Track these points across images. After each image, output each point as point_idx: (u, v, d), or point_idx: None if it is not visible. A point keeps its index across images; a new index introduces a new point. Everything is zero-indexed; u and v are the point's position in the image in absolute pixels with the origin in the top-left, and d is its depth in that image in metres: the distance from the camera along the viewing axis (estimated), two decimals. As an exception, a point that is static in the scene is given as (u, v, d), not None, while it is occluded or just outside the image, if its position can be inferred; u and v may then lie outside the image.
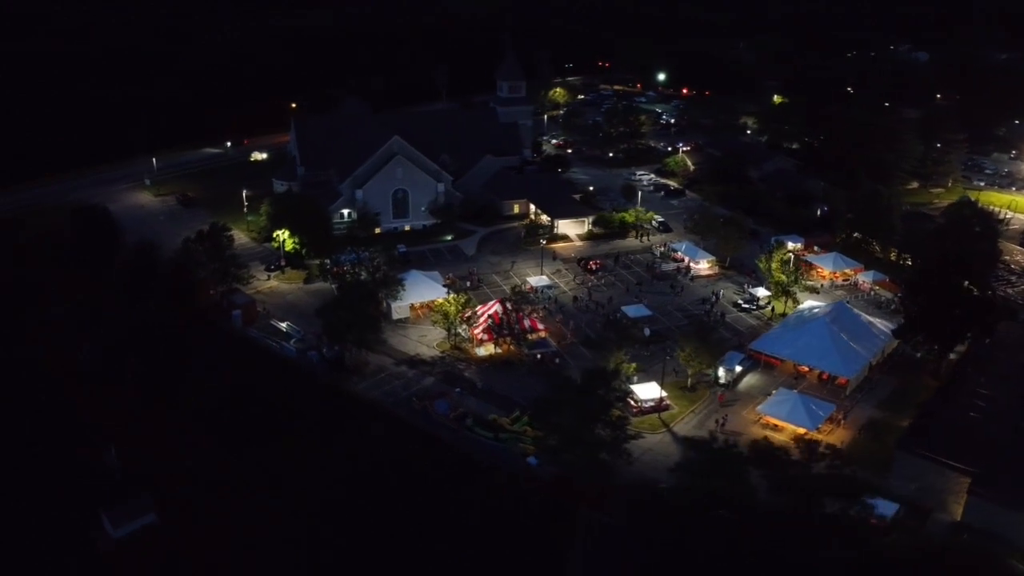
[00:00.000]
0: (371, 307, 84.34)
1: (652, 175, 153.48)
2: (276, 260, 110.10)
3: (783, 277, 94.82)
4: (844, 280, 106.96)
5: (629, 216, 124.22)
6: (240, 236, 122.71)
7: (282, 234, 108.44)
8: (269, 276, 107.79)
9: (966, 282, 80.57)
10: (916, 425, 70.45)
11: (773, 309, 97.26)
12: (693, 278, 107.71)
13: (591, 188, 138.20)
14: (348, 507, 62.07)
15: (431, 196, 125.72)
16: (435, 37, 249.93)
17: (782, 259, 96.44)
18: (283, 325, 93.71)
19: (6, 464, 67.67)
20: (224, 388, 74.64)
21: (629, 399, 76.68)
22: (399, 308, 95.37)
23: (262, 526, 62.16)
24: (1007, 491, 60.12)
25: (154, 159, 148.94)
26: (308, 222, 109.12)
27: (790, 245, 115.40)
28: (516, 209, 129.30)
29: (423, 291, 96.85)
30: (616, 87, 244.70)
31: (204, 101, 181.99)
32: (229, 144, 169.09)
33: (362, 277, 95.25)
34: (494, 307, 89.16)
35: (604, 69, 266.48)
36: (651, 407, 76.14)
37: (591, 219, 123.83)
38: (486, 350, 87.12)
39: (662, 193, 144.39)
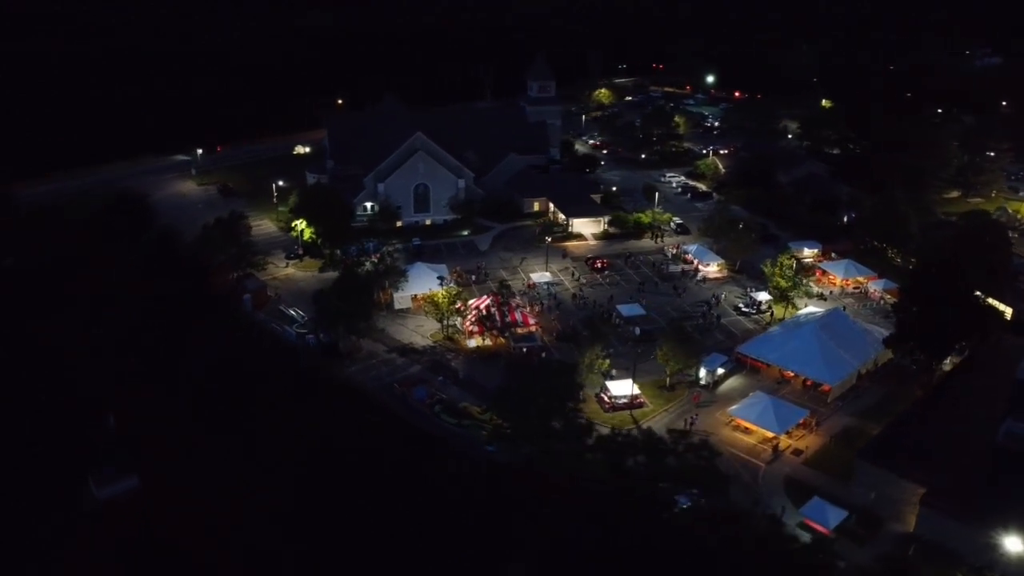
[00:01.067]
0: (365, 296, 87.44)
1: (682, 177, 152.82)
2: (295, 248, 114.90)
3: (782, 282, 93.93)
4: (855, 288, 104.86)
5: (645, 217, 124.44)
6: (270, 225, 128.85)
7: (300, 224, 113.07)
8: (287, 263, 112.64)
9: (959, 290, 78.27)
10: (881, 435, 69.27)
11: (772, 314, 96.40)
12: (705, 280, 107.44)
13: (614, 188, 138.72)
14: (310, 477, 65.34)
15: (452, 192, 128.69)
16: (484, 36, 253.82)
17: (785, 264, 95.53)
18: (291, 311, 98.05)
19: (13, 428, 73.27)
20: (213, 363, 79.35)
21: (602, 394, 77.89)
22: (400, 298, 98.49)
23: (236, 493, 65.98)
24: (959, 505, 58.89)
25: (199, 150, 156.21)
26: (326, 213, 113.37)
27: (806, 251, 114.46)
28: (536, 207, 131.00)
29: (426, 283, 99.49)
30: (667, 89, 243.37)
31: (255, 97, 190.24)
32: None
33: (367, 267, 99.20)
34: (485, 301, 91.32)
35: (658, 71, 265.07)
36: (623, 403, 76.96)
37: (606, 219, 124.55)
38: (476, 342, 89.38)
39: (688, 195, 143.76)
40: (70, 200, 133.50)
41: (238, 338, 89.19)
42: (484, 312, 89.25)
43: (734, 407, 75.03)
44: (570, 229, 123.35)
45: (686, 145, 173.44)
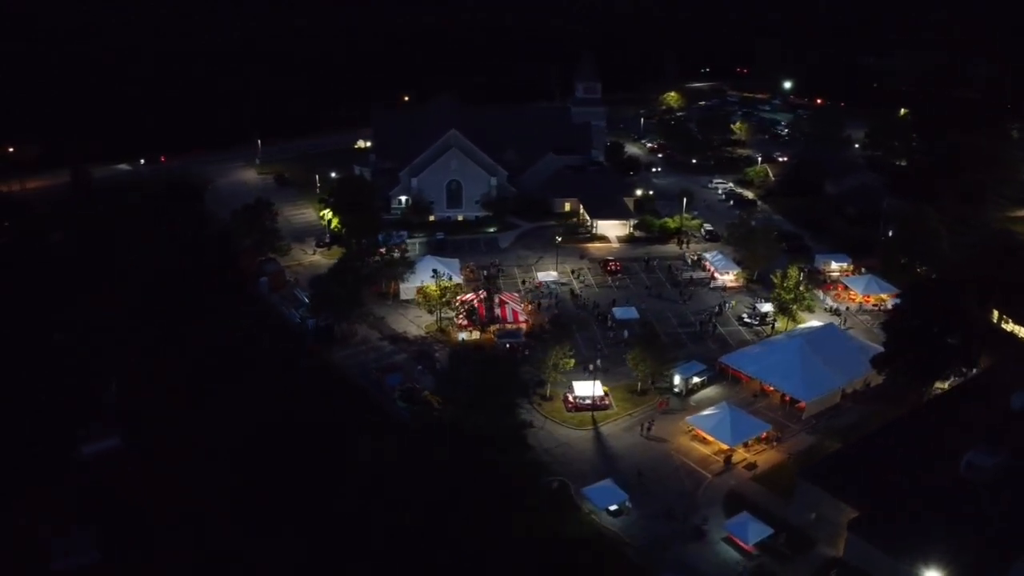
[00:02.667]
0: (358, 283, 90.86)
1: (730, 184, 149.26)
2: (323, 237, 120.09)
3: (784, 294, 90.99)
4: (874, 305, 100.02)
5: (672, 222, 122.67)
6: (312, 214, 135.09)
7: (327, 213, 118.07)
8: (314, 251, 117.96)
9: (954, 311, 73.77)
10: (832, 455, 66.49)
11: (773, 326, 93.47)
12: (725, 288, 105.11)
13: (650, 192, 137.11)
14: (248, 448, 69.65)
15: (484, 189, 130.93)
16: (559, 35, 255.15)
17: (791, 275, 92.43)
18: (305, 295, 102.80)
19: (24, 389, 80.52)
20: (211, 336, 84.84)
21: (567, 393, 78.19)
22: (407, 290, 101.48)
23: (194, 457, 70.88)
24: (887, 534, 56.10)
25: (259, 141, 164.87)
26: (353, 204, 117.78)
27: (833, 264, 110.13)
28: (567, 207, 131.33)
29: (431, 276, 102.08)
30: (746, 94, 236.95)
31: (323, 92, 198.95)
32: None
33: (376, 258, 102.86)
34: (477, 296, 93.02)
35: (742, 75, 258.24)
36: (586, 404, 76.94)
37: (633, 222, 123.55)
38: (466, 335, 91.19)
39: (731, 203, 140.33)
40: (141, 182, 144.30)
41: (244, 316, 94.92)
42: (475, 306, 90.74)
43: (693, 416, 73.72)
44: (594, 231, 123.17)
45: (743, 151, 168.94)
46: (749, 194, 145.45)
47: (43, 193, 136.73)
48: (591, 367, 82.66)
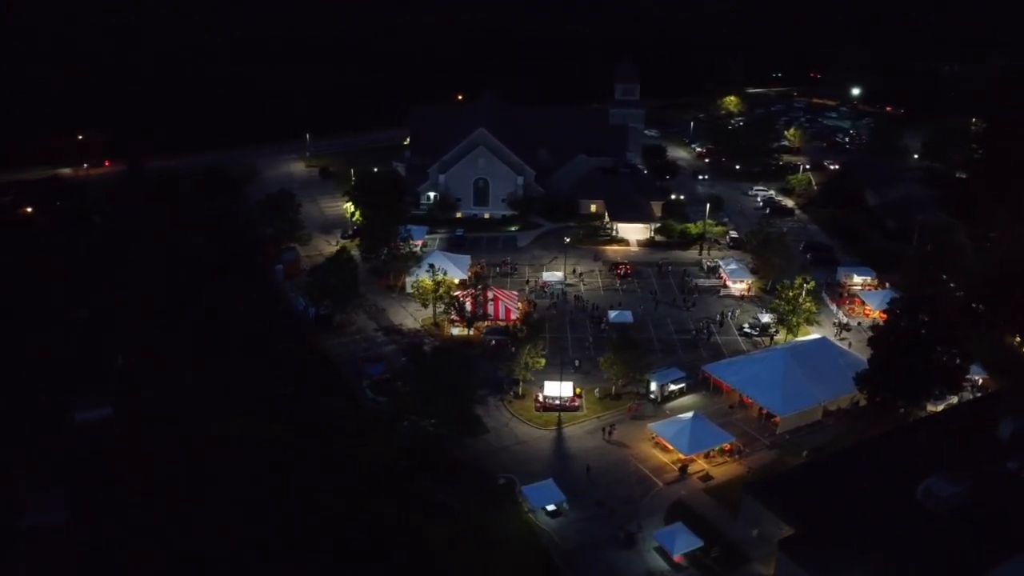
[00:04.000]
0: (352, 274, 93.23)
1: (771, 192, 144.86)
2: (347, 229, 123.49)
3: (783, 305, 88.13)
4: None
5: (694, 227, 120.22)
6: (350, 207, 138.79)
7: (349, 206, 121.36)
8: (337, 242, 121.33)
9: (941, 330, 69.85)
10: (784, 472, 64.05)
11: (772, 338, 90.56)
12: (742, 296, 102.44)
13: (681, 197, 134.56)
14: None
15: (511, 188, 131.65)
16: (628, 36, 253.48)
17: (798, 286, 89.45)
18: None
19: (36, 359, 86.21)
20: (215, 316, 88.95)
21: (538, 392, 78.15)
22: (411, 283, 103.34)
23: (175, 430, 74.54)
24: (818, 555, 53.80)
25: (307, 135, 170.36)
26: (375, 198, 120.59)
27: (856, 278, 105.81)
28: (593, 209, 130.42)
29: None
30: (815, 100, 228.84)
31: (385, 89, 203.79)
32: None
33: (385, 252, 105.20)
34: (471, 292, 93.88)
35: (815, 81, 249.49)
36: (556, 405, 76.70)
37: (654, 226, 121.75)
38: (459, 330, 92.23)
39: (767, 211, 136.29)
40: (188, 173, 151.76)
41: (251, 299, 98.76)
42: (460, 301, 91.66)
43: (656, 423, 72.46)
44: (614, 233, 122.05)
45: (793, 159, 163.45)
46: (789, 203, 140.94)
47: (103, 179, 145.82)
48: (575, 365, 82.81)
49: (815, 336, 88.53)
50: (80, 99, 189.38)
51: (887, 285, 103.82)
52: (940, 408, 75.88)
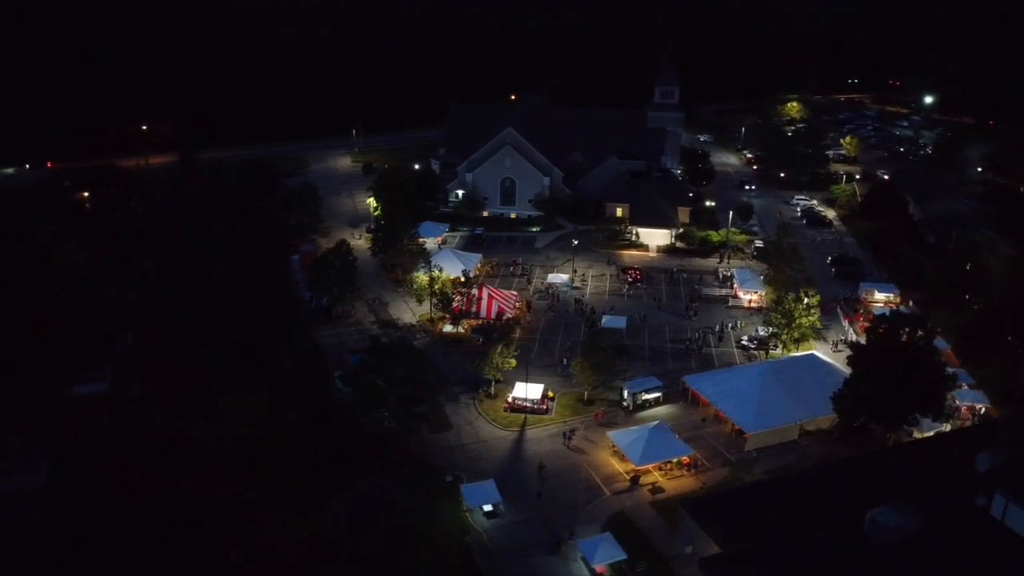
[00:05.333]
0: (350, 267, 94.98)
1: (814, 202, 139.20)
2: (371, 224, 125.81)
3: (778, 319, 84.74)
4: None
5: (715, 235, 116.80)
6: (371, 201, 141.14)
7: (372, 201, 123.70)
8: (360, 236, 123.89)
9: (920, 352, 65.62)
10: (726, 490, 61.46)
11: (767, 352, 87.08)
12: (753, 308, 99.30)
13: (711, 203, 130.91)
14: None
15: (537, 188, 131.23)
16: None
17: (803, 299, 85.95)
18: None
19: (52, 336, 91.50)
20: (220, 299, 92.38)
21: (510, 394, 77.80)
22: (408, 279, 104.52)
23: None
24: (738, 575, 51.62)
25: (354, 131, 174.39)
26: (395, 194, 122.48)
27: (877, 294, 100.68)
28: (619, 213, 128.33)
29: (447, 268, 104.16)
30: (889, 108, 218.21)
31: (443, 87, 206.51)
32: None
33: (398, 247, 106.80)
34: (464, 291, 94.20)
35: (893, 88, 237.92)
36: (523, 406, 76.13)
37: (675, 232, 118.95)
38: (451, 327, 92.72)
39: (804, 221, 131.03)
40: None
41: (259, 287, 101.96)
42: (448, 298, 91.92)
43: (616, 431, 70.91)
44: (633, 238, 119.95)
45: (845, 168, 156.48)
46: (831, 213, 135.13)
47: (160, 168, 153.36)
48: (563, 363, 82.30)
49: (813, 353, 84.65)
50: (151, 93, 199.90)
51: (910, 303, 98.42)
52: (928, 435, 71.43)
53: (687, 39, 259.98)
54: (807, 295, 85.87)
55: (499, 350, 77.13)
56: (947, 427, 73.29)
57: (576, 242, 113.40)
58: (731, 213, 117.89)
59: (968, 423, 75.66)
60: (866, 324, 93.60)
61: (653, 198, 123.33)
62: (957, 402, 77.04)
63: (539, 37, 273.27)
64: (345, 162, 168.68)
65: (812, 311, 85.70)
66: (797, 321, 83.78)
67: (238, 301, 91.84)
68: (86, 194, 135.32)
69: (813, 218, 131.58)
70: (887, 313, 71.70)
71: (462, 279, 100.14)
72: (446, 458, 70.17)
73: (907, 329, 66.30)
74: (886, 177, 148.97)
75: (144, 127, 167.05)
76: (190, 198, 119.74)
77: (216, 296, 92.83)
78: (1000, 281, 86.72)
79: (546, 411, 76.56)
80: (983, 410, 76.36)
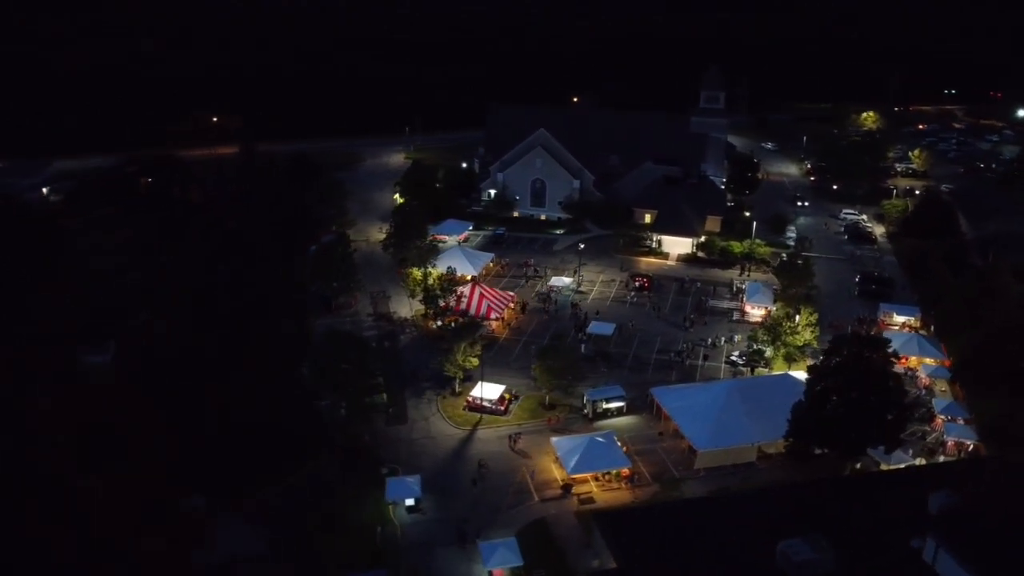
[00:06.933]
0: (347, 260, 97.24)
1: (861, 216, 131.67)
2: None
3: (764, 337, 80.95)
4: (905, 368, 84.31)
5: (737, 246, 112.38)
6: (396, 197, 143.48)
7: (397, 198, 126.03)
8: (384, 230, 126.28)
9: (874, 375, 61.10)
10: (643, 507, 59.13)
11: (753, 370, 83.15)
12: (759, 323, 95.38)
13: (747, 213, 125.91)
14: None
15: (567, 191, 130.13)
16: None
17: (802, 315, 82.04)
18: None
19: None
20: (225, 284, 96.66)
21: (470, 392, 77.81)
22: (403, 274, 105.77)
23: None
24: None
25: (407, 128, 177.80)
26: (422, 191, 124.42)
27: (896, 316, 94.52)
28: (647, 219, 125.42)
29: (453, 266, 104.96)
30: (984, 121, 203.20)
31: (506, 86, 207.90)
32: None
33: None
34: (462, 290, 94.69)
35: (994, 99, 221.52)
36: (480, 405, 75.91)
37: (697, 241, 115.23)
38: (439, 323, 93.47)
39: (846, 236, 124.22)
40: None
41: (265, 276, 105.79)
42: (434, 294, 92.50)
43: (560, 437, 69.61)
44: (654, 245, 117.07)
45: (906, 182, 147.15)
46: (880, 229, 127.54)
47: (225, 159, 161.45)
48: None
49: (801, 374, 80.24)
50: (227, 88, 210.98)
51: (931, 327, 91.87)
52: (898, 467, 66.55)
53: (763, 44, 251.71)
54: (799, 313, 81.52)
55: (462, 348, 77.20)
56: (920, 461, 68.11)
57: (583, 246, 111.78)
58: (755, 224, 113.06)
59: (953, 459, 69.99)
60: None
61: (680, 205, 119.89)
62: (945, 437, 71.56)
63: (608, 36, 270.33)
64: (398, 159, 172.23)
65: (803, 330, 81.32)
66: (784, 339, 79.68)
67: (238, 292, 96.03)
68: (149, 179, 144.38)
69: (857, 233, 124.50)
70: (847, 333, 67.26)
71: (451, 277, 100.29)
72: (392, 451, 70.87)
73: (868, 352, 61.92)
74: (946, 192, 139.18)
75: (215, 119, 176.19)
76: (223, 188, 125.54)
77: (216, 286, 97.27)
78: (1011, 309, 79.46)
79: (504, 412, 76.07)
80: (971, 447, 70.39)
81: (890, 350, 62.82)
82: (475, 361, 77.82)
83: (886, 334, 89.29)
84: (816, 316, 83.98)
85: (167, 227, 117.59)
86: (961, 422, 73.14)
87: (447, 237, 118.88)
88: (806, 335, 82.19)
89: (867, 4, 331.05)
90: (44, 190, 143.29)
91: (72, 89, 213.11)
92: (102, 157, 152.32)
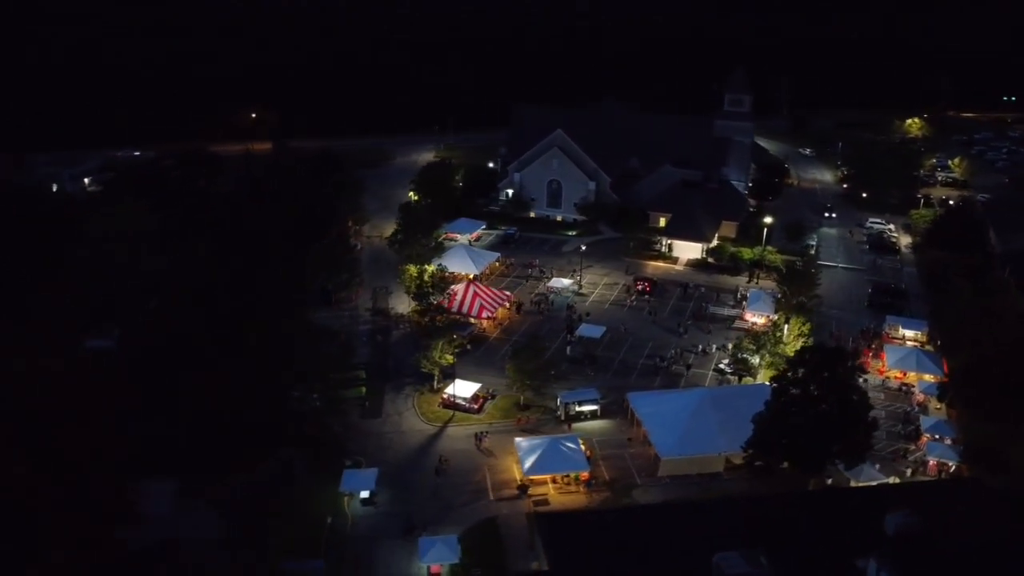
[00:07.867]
0: (346, 256, 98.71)
1: (889, 226, 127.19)
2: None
3: (748, 346, 79.07)
4: (901, 383, 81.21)
5: (747, 253, 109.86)
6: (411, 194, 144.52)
7: (411, 195, 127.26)
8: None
9: (836, 388, 59.01)
10: (586, 512, 58.32)
11: (741, 379, 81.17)
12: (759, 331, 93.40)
13: (768, 220, 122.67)
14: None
15: (582, 192, 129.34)
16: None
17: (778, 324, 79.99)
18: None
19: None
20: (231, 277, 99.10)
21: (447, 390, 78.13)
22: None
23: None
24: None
25: (436, 127, 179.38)
26: (437, 189, 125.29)
27: (903, 331, 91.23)
28: (662, 222, 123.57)
29: (456, 264, 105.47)
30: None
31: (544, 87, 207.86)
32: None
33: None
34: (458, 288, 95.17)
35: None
36: (454, 403, 76.19)
37: (706, 247, 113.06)
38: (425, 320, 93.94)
39: (867, 246, 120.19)
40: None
41: (278, 269, 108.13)
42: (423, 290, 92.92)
43: (524, 438, 69.32)
44: (664, 249, 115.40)
45: (944, 191, 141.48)
46: (906, 239, 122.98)
47: (254, 155, 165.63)
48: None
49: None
50: (267, 84, 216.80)
51: (938, 343, 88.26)
52: (868, 484, 64.15)
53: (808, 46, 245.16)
54: (787, 323, 79.38)
55: (439, 345, 77.62)
56: (894, 479, 65.55)
57: (584, 248, 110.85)
58: (766, 231, 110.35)
59: (931, 479, 67.21)
60: (867, 361, 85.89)
61: (694, 210, 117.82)
62: (927, 456, 68.71)
63: (656, 37, 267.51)
64: (428, 157, 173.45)
65: (792, 340, 79.06)
66: (769, 348, 77.69)
67: (237, 290, 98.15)
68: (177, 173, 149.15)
69: (880, 243, 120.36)
70: (824, 344, 65.14)
71: (443, 275, 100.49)
72: (360, 444, 71.76)
73: (833, 365, 59.94)
74: (981, 202, 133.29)
75: (253, 115, 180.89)
76: (243, 184, 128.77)
77: (216, 285, 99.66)
78: (1009, 328, 75.61)
79: (478, 411, 76.18)
80: (952, 468, 67.38)
81: (852, 364, 60.53)
82: (450, 358, 78.08)
83: (887, 347, 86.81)
84: (809, 326, 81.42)
85: (189, 218, 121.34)
86: (948, 442, 70.12)
87: (459, 236, 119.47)
88: (797, 345, 79.74)
89: (928, 7, 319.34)
90: (85, 180, 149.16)
91: (129, 82, 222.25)
92: (153, 150, 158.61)
